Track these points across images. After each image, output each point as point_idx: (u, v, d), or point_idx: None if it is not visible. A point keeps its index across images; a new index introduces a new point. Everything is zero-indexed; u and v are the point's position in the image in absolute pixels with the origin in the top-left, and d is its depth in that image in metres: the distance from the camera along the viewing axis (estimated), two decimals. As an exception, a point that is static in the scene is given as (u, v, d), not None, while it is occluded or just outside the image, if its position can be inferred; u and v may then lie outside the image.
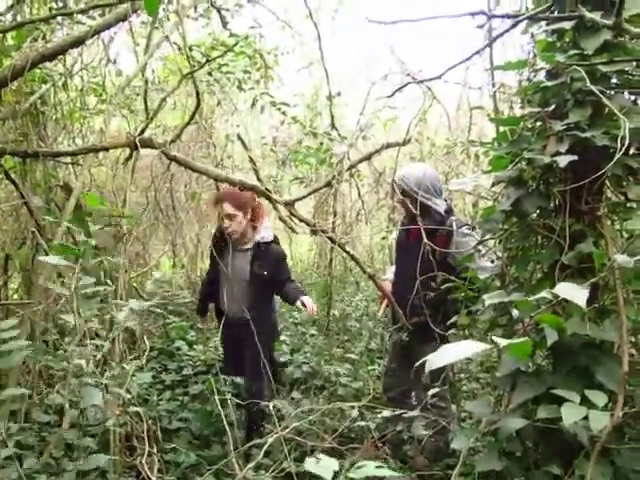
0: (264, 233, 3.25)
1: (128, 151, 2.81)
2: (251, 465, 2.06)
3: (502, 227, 2.10)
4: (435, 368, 1.12)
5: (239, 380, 3.70)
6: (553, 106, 1.93)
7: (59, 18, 3.32)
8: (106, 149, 2.81)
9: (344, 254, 3.11)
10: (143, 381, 3.26)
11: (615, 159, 1.56)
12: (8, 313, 3.32)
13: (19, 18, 3.16)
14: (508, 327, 2.03)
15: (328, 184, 2.96)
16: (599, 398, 1.49)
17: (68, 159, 3.56)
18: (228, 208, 3.11)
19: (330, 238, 2.88)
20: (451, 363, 1.14)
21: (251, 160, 2.77)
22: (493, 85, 2.26)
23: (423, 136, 5.76)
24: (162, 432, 3.28)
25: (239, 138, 2.82)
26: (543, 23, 2.02)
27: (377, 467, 1.25)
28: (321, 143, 4.28)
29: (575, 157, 1.73)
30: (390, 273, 3.36)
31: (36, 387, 3.30)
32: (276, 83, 5.33)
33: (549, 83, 1.91)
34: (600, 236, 1.85)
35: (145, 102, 3.88)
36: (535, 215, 2.01)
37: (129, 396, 2.19)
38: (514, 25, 1.71)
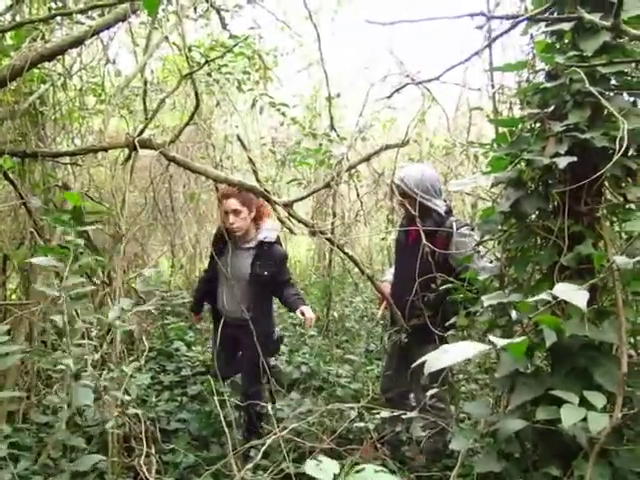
0: (267, 233, 3.23)
1: (127, 151, 2.80)
2: (249, 466, 2.05)
3: (501, 228, 2.10)
4: (433, 370, 1.11)
5: (236, 379, 3.70)
6: (552, 107, 1.93)
7: (58, 18, 3.31)
8: (105, 149, 2.81)
9: (343, 255, 3.10)
10: (141, 383, 3.27)
11: (614, 160, 1.56)
12: (6, 313, 3.31)
13: (18, 18, 3.16)
14: (507, 328, 2.03)
15: (327, 185, 2.96)
16: (598, 399, 1.49)
17: (67, 159, 3.55)
18: (234, 203, 3.09)
19: (329, 239, 2.87)
20: (450, 365, 1.14)
21: (250, 161, 2.76)
22: (492, 86, 2.26)
23: (422, 137, 5.77)
24: (160, 433, 3.28)
25: (238, 139, 2.81)
26: (542, 24, 2.02)
27: (376, 471, 1.24)
28: (320, 144, 4.28)
29: (574, 158, 1.73)
30: (389, 275, 3.36)
31: (34, 388, 3.29)
32: (275, 84, 5.32)
33: (548, 84, 1.91)
34: (599, 237, 1.85)
35: (144, 102, 3.87)
36: (534, 216, 2.02)
37: (128, 398, 2.18)
38: (513, 26, 1.71)
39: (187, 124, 2.82)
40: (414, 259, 2.62)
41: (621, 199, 1.90)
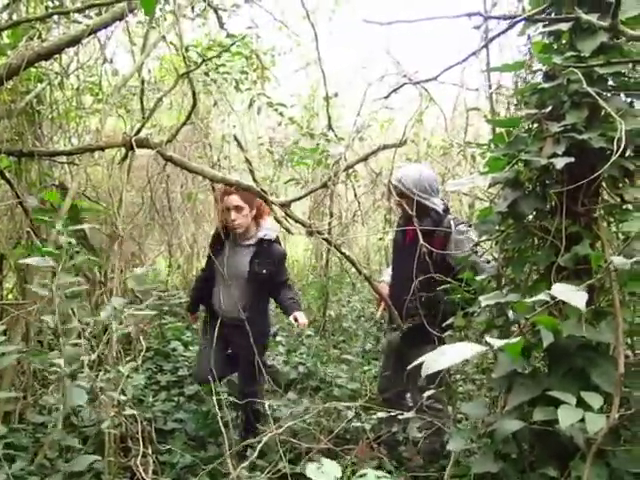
0: (267, 231, 3.23)
1: (124, 151, 2.79)
2: (244, 464, 2.05)
3: (499, 228, 2.10)
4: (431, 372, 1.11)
5: (233, 379, 3.70)
6: (550, 108, 1.93)
7: (55, 17, 3.30)
8: (102, 149, 2.80)
9: (340, 255, 3.10)
10: (137, 383, 3.26)
11: (611, 161, 1.56)
12: (3, 313, 3.30)
13: (15, 17, 3.15)
14: (504, 328, 2.03)
15: (324, 185, 2.95)
16: (595, 400, 1.49)
17: (64, 159, 3.54)
18: (236, 200, 3.09)
19: (326, 239, 2.87)
20: (447, 366, 1.14)
21: (247, 161, 2.75)
22: (490, 86, 2.26)
23: (420, 137, 5.77)
24: (157, 433, 3.27)
25: (235, 139, 2.80)
26: (540, 25, 2.02)
27: (378, 477, 1.24)
28: (317, 144, 4.27)
29: (572, 159, 1.73)
30: (386, 275, 3.36)
31: (30, 388, 3.28)
32: (273, 84, 5.31)
33: (546, 85, 1.91)
34: (596, 238, 1.85)
35: (141, 102, 3.86)
36: (531, 217, 2.02)
37: (124, 398, 2.18)
38: (511, 27, 1.71)
39: (184, 124, 2.81)
40: (411, 259, 2.62)
41: (618, 200, 1.91)
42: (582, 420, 1.45)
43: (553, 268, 1.82)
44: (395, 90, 2.04)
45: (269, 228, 3.25)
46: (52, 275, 3.08)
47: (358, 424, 2.66)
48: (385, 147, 2.98)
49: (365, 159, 3.04)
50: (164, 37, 3.29)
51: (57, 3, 3.42)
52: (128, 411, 2.30)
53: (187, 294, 4.74)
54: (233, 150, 5.42)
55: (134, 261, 5.25)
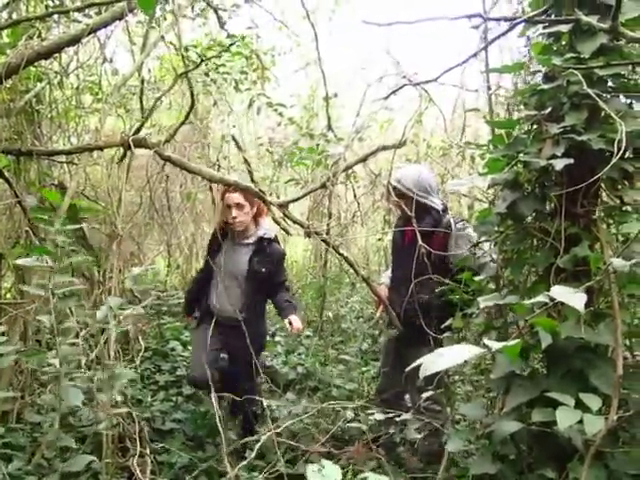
0: (266, 230, 3.23)
1: (122, 151, 2.79)
2: (242, 464, 2.04)
3: (497, 230, 2.10)
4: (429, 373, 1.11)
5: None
6: (549, 109, 1.93)
7: (55, 16, 3.30)
8: (100, 148, 2.80)
9: (339, 256, 3.09)
10: (127, 380, 3.24)
11: (612, 163, 1.56)
12: (1, 313, 3.29)
13: (15, 16, 3.15)
14: (503, 330, 2.02)
15: (323, 185, 2.95)
16: (593, 402, 1.49)
17: (63, 158, 3.54)
18: (238, 197, 3.08)
19: (324, 240, 2.86)
20: (445, 368, 1.14)
21: (245, 161, 2.75)
22: (489, 88, 2.26)
23: (419, 138, 5.77)
24: (155, 433, 3.27)
25: (233, 139, 2.80)
26: (540, 26, 2.02)
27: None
28: (317, 145, 4.28)
29: (571, 160, 1.73)
30: (385, 277, 3.35)
31: (28, 387, 3.27)
32: (273, 84, 5.32)
33: (545, 86, 1.91)
34: (595, 240, 1.85)
35: (141, 101, 3.86)
36: (531, 218, 2.01)
37: (119, 398, 2.17)
38: (511, 28, 1.71)
39: (182, 123, 2.81)
40: (410, 260, 2.62)
41: (618, 201, 1.90)
42: (580, 422, 1.45)
43: (552, 270, 1.81)
44: (394, 91, 2.04)
45: (268, 227, 3.25)
46: (50, 274, 3.09)
47: (354, 425, 2.65)
48: (384, 148, 2.98)
49: (364, 160, 3.04)
50: (163, 37, 3.29)
51: (57, 2, 3.42)
52: (124, 410, 2.30)
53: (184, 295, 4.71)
54: (233, 150, 5.42)
55: (133, 261, 5.25)
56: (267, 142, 5.65)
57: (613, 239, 1.95)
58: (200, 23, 4.76)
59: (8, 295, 3.96)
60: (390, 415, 2.38)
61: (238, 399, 2.92)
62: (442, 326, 2.38)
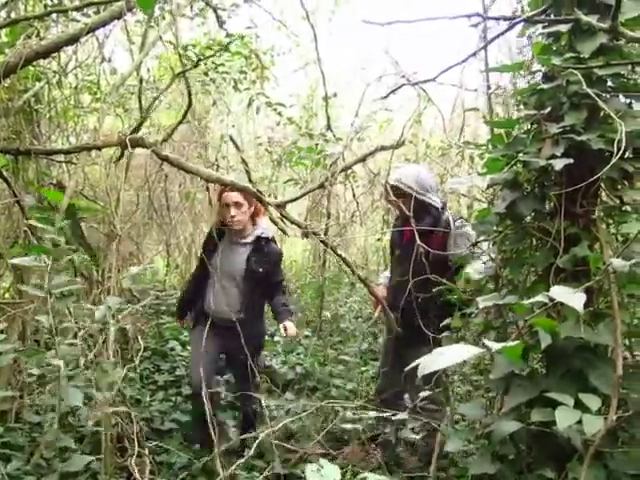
0: (264, 229, 3.21)
1: (120, 150, 2.79)
2: (238, 463, 2.04)
3: (497, 229, 2.09)
4: (428, 372, 1.11)
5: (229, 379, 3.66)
6: (549, 109, 1.93)
7: (54, 15, 3.29)
8: (98, 148, 2.79)
9: (337, 256, 3.09)
10: (126, 380, 3.23)
11: (612, 163, 1.56)
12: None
13: (13, 15, 3.14)
14: (502, 330, 2.02)
15: (321, 186, 2.94)
16: (593, 402, 1.49)
17: (61, 157, 3.53)
18: (236, 196, 3.06)
19: (322, 241, 2.85)
20: (444, 367, 1.13)
21: (243, 161, 2.74)
22: (488, 87, 2.26)
23: (418, 138, 5.77)
24: (154, 433, 3.27)
25: (231, 139, 2.79)
26: (540, 26, 2.02)
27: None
28: (316, 144, 4.27)
29: (570, 160, 1.73)
30: (383, 278, 3.35)
31: (27, 387, 3.27)
32: (272, 84, 5.31)
33: (545, 86, 1.90)
34: (595, 240, 1.85)
35: (139, 101, 3.85)
36: (530, 218, 2.01)
37: (118, 398, 2.17)
38: (510, 27, 1.71)
39: (180, 123, 2.81)
40: (409, 260, 2.62)
41: (617, 201, 1.90)
42: (580, 422, 1.44)
43: (551, 270, 1.81)
44: (393, 91, 2.04)
45: (266, 227, 3.23)
46: (49, 274, 3.08)
47: (350, 426, 2.64)
48: (383, 148, 2.97)
49: (363, 160, 3.03)
50: (161, 37, 3.28)
51: (55, 1, 3.41)
52: (123, 409, 2.29)
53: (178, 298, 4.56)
54: (231, 150, 5.42)
55: (132, 260, 5.24)
56: (266, 142, 5.65)
57: (613, 239, 1.94)
58: (199, 22, 4.76)
59: (7, 295, 3.95)
60: (388, 415, 2.38)
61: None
62: (441, 326, 2.37)
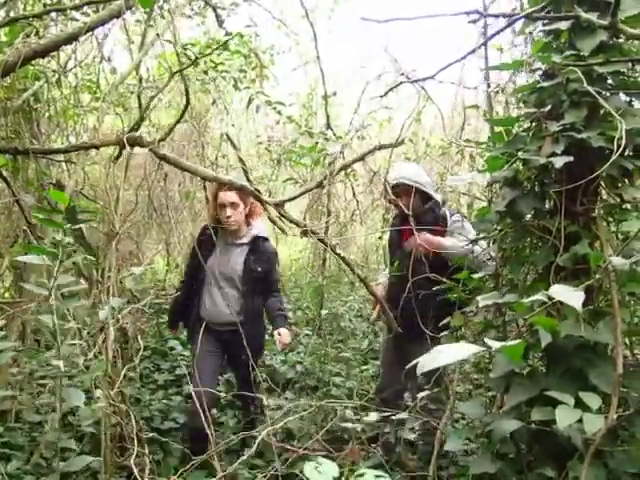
0: (259, 229, 3.19)
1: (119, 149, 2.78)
2: (237, 463, 2.04)
3: (497, 227, 2.09)
4: (428, 370, 1.10)
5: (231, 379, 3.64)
6: (549, 107, 1.93)
7: (53, 14, 3.29)
8: (96, 147, 2.78)
9: (336, 255, 3.08)
10: (126, 379, 3.21)
11: (611, 160, 1.55)
12: (-1, 312, 3.29)
13: (12, 14, 3.14)
14: (502, 328, 2.02)
15: (319, 184, 2.94)
16: (593, 400, 1.49)
17: (61, 157, 3.53)
18: (233, 196, 3.02)
19: (321, 240, 2.84)
20: (444, 365, 1.13)
21: (240, 160, 2.73)
22: (488, 85, 2.25)
23: (418, 136, 5.76)
24: (154, 432, 3.26)
25: (228, 138, 2.79)
26: (540, 24, 2.01)
27: (377, 476, 1.23)
28: (316, 143, 4.27)
29: (571, 158, 1.73)
30: (383, 277, 3.34)
31: (27, 387, 3.27)
32: (271, 82, 5.31)
33: (545, 84, 1.90)
34: (595, 238, 1.84)
35: (139, 100, 3.84)
36: (530, 216, 2.01)
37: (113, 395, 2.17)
38: (509, 24, 1.70)
39: (178, 122, 2.80)
40: (408, 258, 2.61)
41: (617, 199, 1.90)
42: (580, 420, 1.44)
43: (552, 268, 1.81)
44: (392, 89, 2.03)
45: (260, 227, 3.21)
46: (48, 274, 3.08)
47: (350, 425, 2.63)
48: (382, 147, 2.97)
49: (362, 158, 3.03)
50: (158, 35, 3.27)
51: (55, 0, 3.41)
52: (124, 409, 2.29)
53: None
54: (231, 149, 5.41)
55: (132, 260, 5.24)
56: (266, 141, 5.64)
57: (613, 237, 1.94)
58: (199, 22, 4.76)
59: (6, 294, 3.96)
60: (388, 414, 2.37)
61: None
62: (440, 324, 2.37)
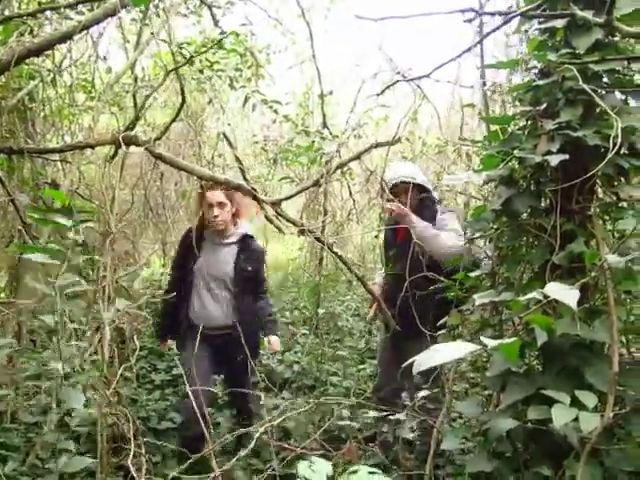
0: (246, 228, 3.16)
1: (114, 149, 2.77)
2: (232, 462, 2.03)
3: (493, 226, 2.09)
4: (425, 369, 1.10)
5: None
6: (544, 105, 1.92)
7: (47, 13, 3.27)
8: (91, 146, 2.76)
9: (333, 254, 3.07)
10: (123, 379, 3.19)
11: (607, 158, 1.55)
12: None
13: (7, 12, 3.12)
14: (498, 327, 2.02)
15: (316, 183, 2.93)
16: (589, 399, 1.48)
17: (56, 156, 3.52)
18: (220, 196, 3.00)
19: (318, 239, 2.84)
20: (441, 364, 1.13)
21: (237, 159, 2.73)
22: (484, 83, 2.25)
23: (415, 135, 5.76)
24: (151, 432, 3.26)
25: (224, 136, 2.78)
26: (535, 22, 2.01)
27: (370, 472, 1.23)
28: (313, 142, 4.26)
29: (566, 156, 1.73)
30: (378, 276, 3.34)
31: (23, 387, 3.26)
32: (267, 81, 5.30)
33: (540, 82, 1.90)
34: (591, 236, 1.84)
35: (134, 99, 3.84)
36: (526, 214, 2.01)
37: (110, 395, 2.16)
38: (505, 22, 1.70)
39: (173, 120, 2.79)
40: (403, 257, 2.61)
41: (613, 198, 1.90)
42: (576, 419, 1.44)
43: (548, 266, 1.81)
44: (388, 87, 2.03)
45: (247, 226, 3.19)
46: (45, 274, 3.06)
47: (347, 423, 2.63)
48: (378, 145, 2.96)
49: (358, 157, 3.02)
50: (152, 33, 3.27)
51: (49, -1, 3.40)
52: (121, 409, 2.28)
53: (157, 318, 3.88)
54: (228, 148, 5.40)
55: (128, 260, 5.23)
56: (262, 140, 5.63)
57: (609, 235, 1.94)
58: (194, 21, 4.75)
59: (2, 294, 3.94)
60: (385, 413, 2.37)
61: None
62: (438, 323, 2.37)
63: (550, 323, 1.49)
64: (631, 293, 1.89)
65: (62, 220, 1.99)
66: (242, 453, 2.05)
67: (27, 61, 2.99)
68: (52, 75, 3.70)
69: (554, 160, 1.72)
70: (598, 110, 1.84)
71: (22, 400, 3.18)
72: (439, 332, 2.41)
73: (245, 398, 3.22)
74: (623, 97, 1.89)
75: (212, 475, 1.85)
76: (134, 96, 3.48)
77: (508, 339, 1.18)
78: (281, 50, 5.63)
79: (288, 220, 2.75)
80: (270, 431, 2.26)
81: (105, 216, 2.98)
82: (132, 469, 1.99)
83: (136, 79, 3.97)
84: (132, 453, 2.09)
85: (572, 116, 1.79)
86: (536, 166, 1.85)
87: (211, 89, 4.83)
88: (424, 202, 2.96)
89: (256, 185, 2.97)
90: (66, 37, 2.73)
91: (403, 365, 1.32)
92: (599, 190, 1.95)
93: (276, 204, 2.70)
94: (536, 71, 2.03)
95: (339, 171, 3.81)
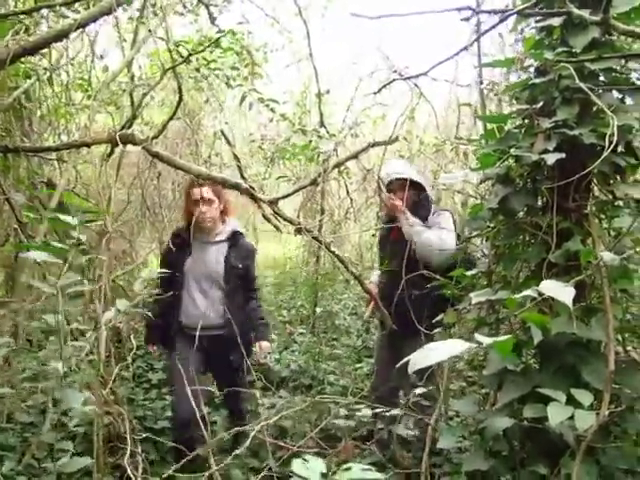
0: (235, 225, 3.12)
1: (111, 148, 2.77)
2: (227, 461, 2.03)
3: (489, 225, 2.09)
4: (421, 367, 1.10)
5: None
6: (541, 103, 1.93)
7: (43, 11, 3.26)
8: (87, 145, 2.75)
9: (330, 253, 3.06)
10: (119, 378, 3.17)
11: (603, 157, 1.55)
12: (-9, 311, 3.26)
13: (2, 10, 3.11)
14: (495, 326, 2.02)
15: (313, 182, 2.92)
16: (585, 397, 1.49)
17: (53, 155, 3.50)
18: (207, 192, 2.95)
19: (315, 238, 2.83)
20: (438, 362, 1.13)
21: (235, 157, 2.72)
22: (481, 82, 2.25)
23: (412, 134, 5.76)
24: (148, 432, 3.25)
25: (222, 134, 2.77)
26: (532, 21, 2.01)
27: (363, 469, 1.22)
28: (310, 141, 4.25)
29: (563, 155, 1.73)
30: (375, 276, 3.34)
31: (18, 387, 3.25)
32: (265, 80, 5.29)
33: (537, 80, 1.90)
34: (587, 234, 1.85)
35: (131, 98, 3.82)
36: (522, 213, 2.01)
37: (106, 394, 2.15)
38: (502, 20, 1.70)
39: (170, 119, 2.77)
40: (398, 255, 2.61)
41: (609, 196, 1.90)
42: (572, 417, 1.44)
43: (544, 265, 1.81)
44: (385, 86, 2.03)
45: (235, 223, 3.15)
46: (42, 273, 3.06)
47: (343, 421, 2.62)
48: (375, 144, 2.96)
49: (355, 156, 3.02)
50: (150, 31, 3.26)
51: (45, -3, 3.38)
52: (117, 409, 2.28)
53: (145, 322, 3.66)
54: (225, 147, 5.39)
55: (125, 259, 5.22)
56: (259, 139, 5.62)
57: (605, 233, 1.94)
58: (191, 19, 4.73)
59: (-2, 294, 3.93)
60: (382, 411, 2.37)
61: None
62: (434, 321, 2.37)
63: (545, 321, 1.49)
64: (627, 291, 1.89)
65: (68, 219, 1.96)
66: (238, 450, 2.05)
67: (23, 59, 2.98)
68: (48, 74, 3.68)
69: (550, 158, 1.72)
70: (594, 108, 1.84)
71: (17, 400, 3.18)
72: (435, 330, 2.42)
73: (237, 398, 3.21)
74: (619, 95, 1.89)
75: (207, 473, 1.84)
76: (131, 95, 3.46)
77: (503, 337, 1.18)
78: (278, 49, 5.61)
79: (285, 219, 2.74)
80: (266, 429, 2.25)
81: (102, 215, 2.97)
82: (128, 468, 1.99)
83: (133, 78, 3.96)
84: (128, 452, 2.09)
85: (568, 114, 1.80)
86: (533, 164, 1.85)
87: (208, 88, 4.82)
88: (420, 201, 2.96)
89: (253, 184, 2.96)
90: (61, 35, 2.72)
91: (398, 364, 1.32)
92: (595, 188, 1.96)
93: (273, 203, 2.70)
94: (533, 69, 2.03)
95: (336, 170, 3.80)
